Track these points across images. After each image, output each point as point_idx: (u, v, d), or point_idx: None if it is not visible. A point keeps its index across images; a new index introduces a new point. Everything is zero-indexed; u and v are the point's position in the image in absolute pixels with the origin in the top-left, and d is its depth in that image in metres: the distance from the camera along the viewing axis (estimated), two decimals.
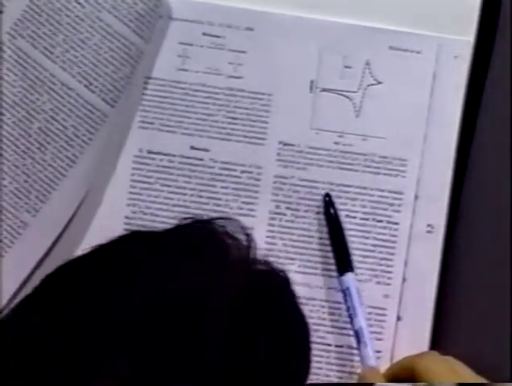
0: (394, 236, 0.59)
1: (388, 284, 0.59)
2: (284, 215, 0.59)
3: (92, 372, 0.35)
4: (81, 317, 0.37)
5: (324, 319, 0.58)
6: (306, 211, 0.59)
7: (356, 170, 0.59)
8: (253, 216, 0.59)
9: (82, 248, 0.42)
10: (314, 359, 0.49)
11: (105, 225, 0.58)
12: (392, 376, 0.56)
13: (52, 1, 0.56)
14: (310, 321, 0.45)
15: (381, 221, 0.59)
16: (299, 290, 0.45)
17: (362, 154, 0.59)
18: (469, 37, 0.59)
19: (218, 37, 0.59)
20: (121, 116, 0.58)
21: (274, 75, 0.59)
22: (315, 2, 0.59)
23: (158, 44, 0.58)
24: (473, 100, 0.59)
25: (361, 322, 0.56)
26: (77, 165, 0.57)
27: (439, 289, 0.59)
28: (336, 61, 0.59)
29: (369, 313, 0.58)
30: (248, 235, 0.43)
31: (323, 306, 0.58)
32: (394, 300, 0.59)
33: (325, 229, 0.59)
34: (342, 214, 0.59)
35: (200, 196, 0.59)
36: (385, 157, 0.59)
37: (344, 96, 0.59)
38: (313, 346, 0.45)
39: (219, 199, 0.59)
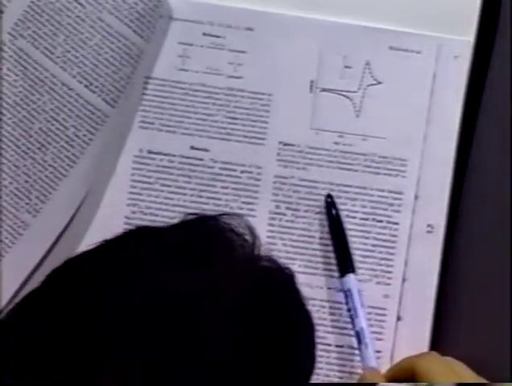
0: (394, 236, 0.59)
1: (388, 284, 0.59)
2: (284, 215, 0.59)
3: (95, 370, 0.35)
4: (85, 314, 0.37)
5: (324, 319, 0.58)
6: (306, 211, 0.59)
7: (356, 170, 0.59)
8: (253, 216, 0.59)
9: (82, 249, 0.41)
10: None
11: (105, 225, 0.58)
12: (392, 377, 0.56)
13: (53, 1, 0.56)
14: None
15: (381, 221, 0.59)
16: None
17: (362, 154, 0.59)
18: (469, 37, 0.59)
19: (218, 37, 0.59)
20: (121, 116, 0.58)
21: (274, 75, 0.59)
22: (315, 2, 0.59)
23: (158, 44, 0.58)
24: (473, 100, 0.59)
25: (362, 323, 0.56)
26: (78, 165, 0.56)
27: (439, 289, 0.59)
28: (336, 61, 0.59)
29: (369, 313, 0.58)
30: (252, 231, 0.42)
31: (323, 306, 0.58)
32: (394, 300, 0.59)
33: (325, 229, 0.59)
34: (342, 214, 0.59)
35: (200, 196, 0.59)
36: (385, 157, 0.59)
37: (344, 96, 0.59)
38: None
39: (219, 199, 0.59)
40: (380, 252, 0.59)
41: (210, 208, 0.59)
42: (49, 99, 0.56)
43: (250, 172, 0.59)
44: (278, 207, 0.59)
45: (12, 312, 0.40)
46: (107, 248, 0.41)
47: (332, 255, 0.59)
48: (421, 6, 0.59)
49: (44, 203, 0.56)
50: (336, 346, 0.58)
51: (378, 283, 0.59)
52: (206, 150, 0.59)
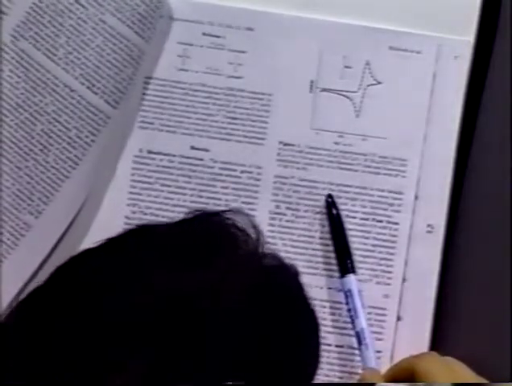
0: (394, 236, 0.59)
1: (388, 284, 0.59)
2: (284, 215, 0.59)
3: (97, 370, 0.35)
4: (88, 312, 0.37)
5: (324, 319, 0.58)
6: (306, 211, 0.59)
7: (356, 170, 0.59)
8: (253, 216, 0.59)
9: (83, 249, 0.41)
10: None
11: (106, 225, 0.58)
12: (392, 377, 0.56)
13: (55, 3, 0.56)
14: None
15: (381, 221, 0.59)
16: None
17: (362, 154, 0.59)
18: (469, 37, 0.59)
19: (218, 37, 0.59)
20: (122, 117, 0.57)
21: (274, 75, 0.59)
22: (315, 2, 0.59)
23: (158, 44, 0.58)
24: (473, 100, 0.59)
25: (363, 323, 0.56)
26: (80, 166, 0.56)
27: (439, 289, 0.59)
28: (336, 61, 0.59)
29: (369, 313, 0.58)
30: (256, 227, 0.42)
31: (323, 306, 0.58)
32: (394, 300, 0.59)
33: (325, 229, 0.59)
34: (342, 214, 0.59)
35: (200, 196, 0.59)
36: (385, 157, 0.59)
37: (344, 96, 0.59)
38: None
39: (219, 199, 0.59)
40: (380, 252, 0.59)
41: (210, 208, 0.59)
42: (51, 100, 0.56)
43: (250, 172, 0.59)
44: (278, 207, 0.59)
45: (16, 309, 0.40)
46: (111, 245, 0.41)
47: (332, 255, 0.59)
48: (421, 6, 0.59)
49: (46, 204, 0.56)
50: (337, 346, 0.58)
51: (378, 283, 0.59)
52: (206, 150, 0.59)
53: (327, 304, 0.58)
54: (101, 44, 0.56)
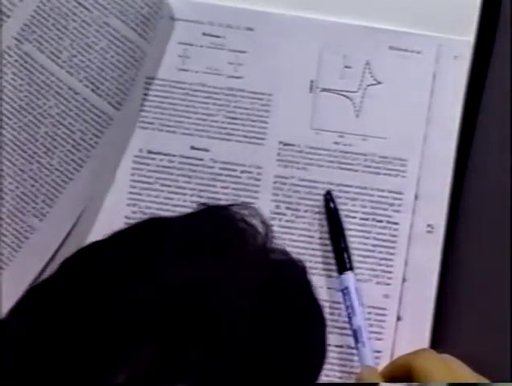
0: (394, 236, 0.59)
1: (388, 284, 0.59)
2: (284, 215, 0.59)
3: (108, 363, 0.35)
4: (98, 304, 0.37)
5: None
6: (306, 211, 0.59)
7: (356, 170, 0.59)
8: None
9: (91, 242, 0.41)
10: None
11: (106, 225, 0.58)
12: (389, 375, 0.55)
13: (59, 6, 0.56)
14: None
15: (381, 221, 0.59)
16: None
17: (362, 154, 0.59)
18: (469, 37, 0.59)
19: (218, 37, 0.59)
20: (125, 117, 0.58)
21: (274, 75, 0.59)
22: (315, 2, 0.59)
23: (159, 45, 0.58)
24: (473, 100, 0.59)
25: (360, 321, 0.56)
26: (84, 168, 0.56)
27: (439, 289, 0.59)
28: (336, 61, 0.59)
29: (369, 313, 0.58)
30: (264, 221, 0.42)
31: (323, 306, 0.58)
32: (394, 300, 0.59)
33: (325, 229, 0.59)
34: (342, 214, 0.59)
35: (200, 196, 0.59)
36: (385, 157, 0.59)
37: (344, 96, 0.59)
38: None
39: (219, 199, 0.59)
40: (380, 252, 0.59)
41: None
42: (55, 103, 0.56)
43: (250, 172, 0.59)
44: (278, 207, 0.59)
45: (23, 301, 0.39)
46: (117, 238, 0.41)
47: (331, 255, 0.59)
48: (421, 6, 0.59)
49: (51, 206, 0.56)
50: (336, 346, 0.58)
51: (378, 283, 0.59)
52: (206, 150, 0.59)
53: (326, 304, 0.58)
54: (105, 47, 0.56)
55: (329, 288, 0.59)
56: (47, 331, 0.36)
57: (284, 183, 0.59)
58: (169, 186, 0.59)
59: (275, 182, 0.59)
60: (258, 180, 0.59)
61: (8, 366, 0.36)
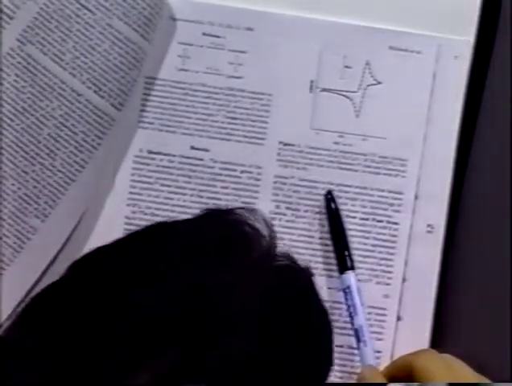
0: (394, 236, 0.59)
1: (388, 284, 0.59)
2: (284, 215, 0.59)
3: (116, 368, 0.35)
4: (105, 310, 0.36)
5: None
6: (306, 211, 0.59)
7: (356, 170, 0.59)
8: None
9: (86, 250, 0.41)
10: None
11: (106, 225, 0.58)
12: (390, 375, 0.55)
13: (62, 8, 0.56)
14: None
15: (381, 221, 0.59)
16: None
17: (362, 154, 0.59)
18: (469, 37, 0.59)
19: (218, 37, 0.59)
20: (126, 118, 0.57)
21: (274, 75, 0.59)
22: (315, 2, 0.59)
23: (160, 45, 0.58)
24: (473, 100, 0.59)
25: (361, 320, 0.56)
26: (86, 169, 0.56)
27: (439, 289, 0.59)
28: (336, 61, 0.59)
29: (369, 313, 0.58)
30: (269, 225, 0.42)
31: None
32: (394, 300, 0.59)
33: (325, 229, 0.59)
34: (342, 214, 0.59)
35: (200, 196, 0.59)
36: (385, 157, 0.59)
37: (344, 96, 0.59)
38: None
39: (219, 199, 0.59)
40: (380, 252, 0.59)
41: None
42: (58, 105, 0.56)
43: (250, 172, 0.59)
44: (278, 207, 0.59)
45: (30, 306, 0.39)
46: (123, 244, 0.41)
47: (332, 255, 0.59)
48: (421, 6, 0.59)
49: (53, 208, 0.56)
50: (337, 346, 0.58)
51: (378, 283, 0.59)
52: (206, 150, 0.59)
53: (327, 304, 0.58)
54: (107, 48, 0.56)
55: (329, 288, 0.59)
56: (60, 335, 0.36)
57: (284, 183, 0.59)
58: (169, 186, 0.59)
59: (275, 182, 0.59)
60: (258, 180, 0.59)
61: (19, 369, 0.36)
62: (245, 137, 0.59)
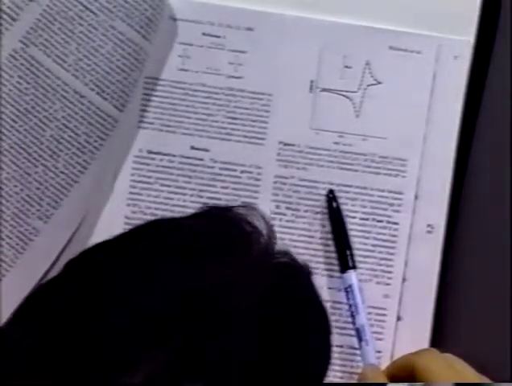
0: (394, 236, 0.59)
1: (388, 284, 0.59)
2: (284, 215, 0.59)
3: (112, 367, 0.35)
4: (102, 307, 0.36)
5: None
6: (306, 211, 0.59)
7: (356, 170, 0.59)
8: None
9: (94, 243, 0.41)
10: None
11: (106, 225, 0.58)
12: (392, 374, 0.55)
13: (65, 9, 0.55)
14: None
15: (381, 221, 0.59)
16: None
17: (362, 154, 0.59)
18: (469, 37, 0.59)
19: (218, 37, 0.59)
20: (127, 119, 0.57)
21: (274, 75, 0.59)
22: (315, 2, 0.59)
23: (160, 45, 0.58)
24: (473, 100, 0.60)
25: (363, 319, 0.56)
26: (88, 170, 0.56)
27: (439, 289, 0.59)
28: (336, 61, 0.59)
29: (369, 313, 0.58)
30: (268, 223, 0.42)
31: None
32: (394, 300, 0.59)
33: (326, 229, 0.59)
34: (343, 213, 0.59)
35: (200, 196, 0.59)
36: (385, 157, 0.59)
37: (344, 96, 0.59)
38: None
39: (219, 199, 0.59)
40: (380, 252, 0.59)
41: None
42: (61, 107, 0.56)
43: (250, 172, 0.59)
44: (278, 207, 0.59)
45: (25, 304, 0.39)
46: (121, 241, 0.41)
47: (332, 255, 0.59)
48: (421, 6, 0.59)
49: (55, 209, 0.56)
50: (337, 346, 0.58)
51: (378, 283, 0.59)
52: (206, 150, 0.59)
53: (327, 304, 0.58)
54: (110, 50, 0.56)
55: (330, 288, 0.59)
56: (57, 333, 0.36)
57: (284, 183, 0.59)
58: (169, 186, 0.59)
59: (275, 182, 0.59)
60: (258, 180, 0.59)
61: (16, 369, 0.36)
62: (245, 137, 0.59)
